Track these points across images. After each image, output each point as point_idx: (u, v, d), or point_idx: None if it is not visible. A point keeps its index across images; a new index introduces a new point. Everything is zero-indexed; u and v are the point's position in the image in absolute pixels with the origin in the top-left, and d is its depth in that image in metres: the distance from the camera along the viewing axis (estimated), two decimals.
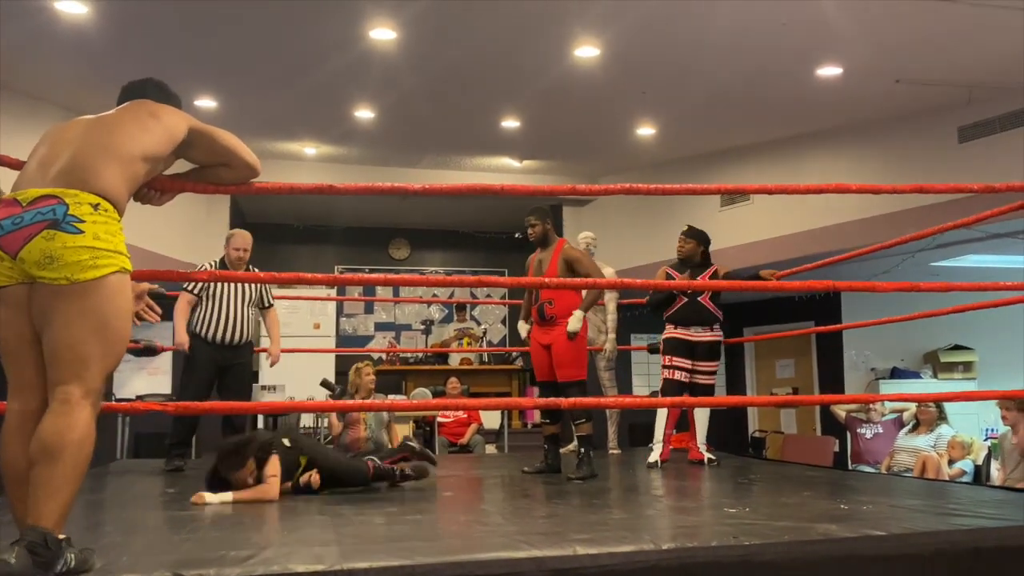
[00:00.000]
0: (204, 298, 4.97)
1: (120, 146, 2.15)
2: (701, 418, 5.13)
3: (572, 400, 3.12)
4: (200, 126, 2.41)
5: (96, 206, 2.03)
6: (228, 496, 3.42)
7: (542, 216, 4.66)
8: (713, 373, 5.05)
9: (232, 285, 5.00)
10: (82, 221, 1.99)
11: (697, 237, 5.00)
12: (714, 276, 4.93)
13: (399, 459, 4.11)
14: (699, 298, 4.92)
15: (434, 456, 4.14)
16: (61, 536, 1.92)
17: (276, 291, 8.64)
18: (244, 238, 5.07)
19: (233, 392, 4.96)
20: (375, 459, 3.97)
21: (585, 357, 4.53)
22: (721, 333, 5.07)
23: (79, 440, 1.95)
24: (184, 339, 4.90)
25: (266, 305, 5.28)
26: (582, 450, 4.35)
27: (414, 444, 4.24)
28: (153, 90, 2.47)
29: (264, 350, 5.34)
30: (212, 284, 4.95)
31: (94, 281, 1.99)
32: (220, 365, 4.96)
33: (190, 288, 4.94)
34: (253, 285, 5.08)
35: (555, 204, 9.63)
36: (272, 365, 5.26)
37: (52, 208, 1.98)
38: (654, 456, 4.87)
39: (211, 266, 5.05)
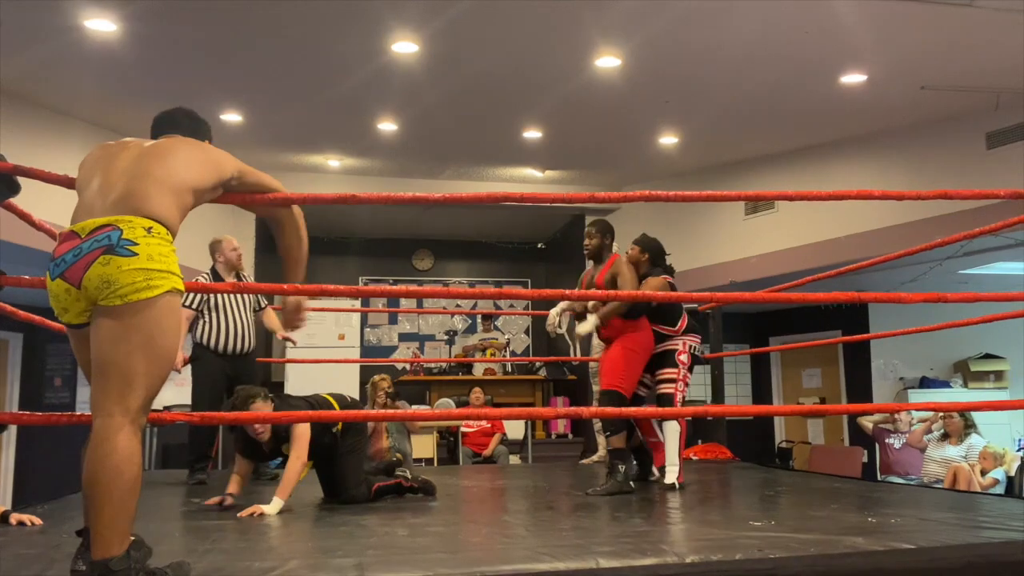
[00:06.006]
0: (206, 311, 4.87)
1: (172, 176, 2.21)
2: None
3: (593, 409, 3.10)
4: (244, 167, 2.47)
5: (149, 229, 2.09)
6: (279, 502, 3.47)
7: (601, 229, 4.52)
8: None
9: (233, 294, 4.92)
10: (136, 244, 2.05)
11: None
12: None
13: (396, 483, 4.08)
14: None
15: (435, 487, 4.11)
16: (122, 552, 1.95)
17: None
18: (233, 238, 5.06)
19: None
20: (382, 478, 4.01)
21: (629, 369, 4.33)
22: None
23: (117, 465, 1.96)
24: (181, 358, 4.72)
25: (262, 307, 5.22)
26: (611, 464, 4.25)
27: (405, 473, 4.15)
28: (184, 120, 2.52)
29: (284, 337, 5.22)
30: (212, 296, 4.86)
31: (146, 300, 2.04)
32: (230, 376, 4.84)
33: (188, 303, 4.79)
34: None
35: (578, 214, 9.64)
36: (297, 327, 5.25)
37: (107, 235, 2.05)
38: (671, 477, 4.33)
39: (205, 278, 4.96)
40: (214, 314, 4.89)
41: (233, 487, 3.70)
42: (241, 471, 3.79)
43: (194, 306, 4.86)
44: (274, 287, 2.63)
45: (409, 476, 4.11)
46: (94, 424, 2.01)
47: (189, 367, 4.93)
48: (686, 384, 4.56)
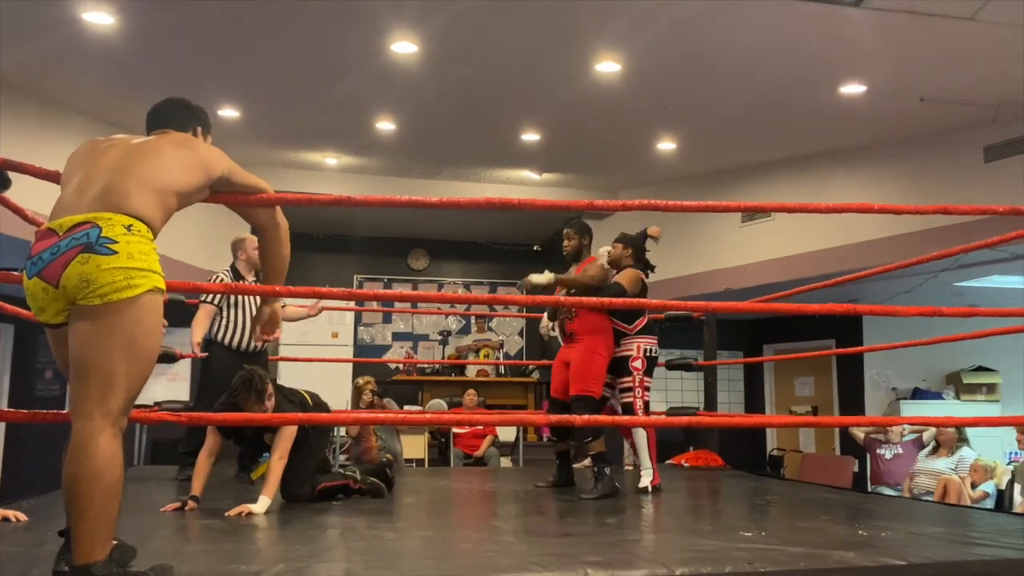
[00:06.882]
0: (225, 307, 4.94)
1: (155, 177, 2.16)
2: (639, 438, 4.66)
3: (585, 418, 3.09)
4: (234, 167, 2.41)
5: (129, 227, 2.03)
6: (266, 500, 3.46)
7: (579, 230, 4.53)
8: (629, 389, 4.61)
9: None
10: (115, 242, 1.99)
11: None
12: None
13: (343, 483, 4.06)
14: None
15: (384, 489, 4.13)
16: (104, 557, 1.90)
17: (294, 300, 8.63)
18: (256, 238, 5.09)
19: None
20: (328, 478, 4.00)
21: (599, 373, 4.38)
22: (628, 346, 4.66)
23: (97, 469, 1.90)
24: (199, 342, 4.80)
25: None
26: (595, 468, 4.26)
27: (354, 473, 4.14)
28: (174, 113, 2.47)
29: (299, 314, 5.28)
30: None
31: (127, 300, 1.99)
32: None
33: (210, 299, 4.90)
34: None
35: (574, 218, 9.63)
36: (317, 312, 5.31)
37: (86, 232, 1.99)
38: (645, 481, 4.47)
39: (225, 275, 5.01)
40: (232, 311, 4.94)
41: (197, 486, 3.62)
42: (211, 448, 3.70)
43: (215, 302, 4.92)
44: (266, 288, 2.60)
45: (358, 477, 4.09)
46: (74, 427, 1.95)
47: (186, 363, 4.94)
48: (644, 389, 4.55)
